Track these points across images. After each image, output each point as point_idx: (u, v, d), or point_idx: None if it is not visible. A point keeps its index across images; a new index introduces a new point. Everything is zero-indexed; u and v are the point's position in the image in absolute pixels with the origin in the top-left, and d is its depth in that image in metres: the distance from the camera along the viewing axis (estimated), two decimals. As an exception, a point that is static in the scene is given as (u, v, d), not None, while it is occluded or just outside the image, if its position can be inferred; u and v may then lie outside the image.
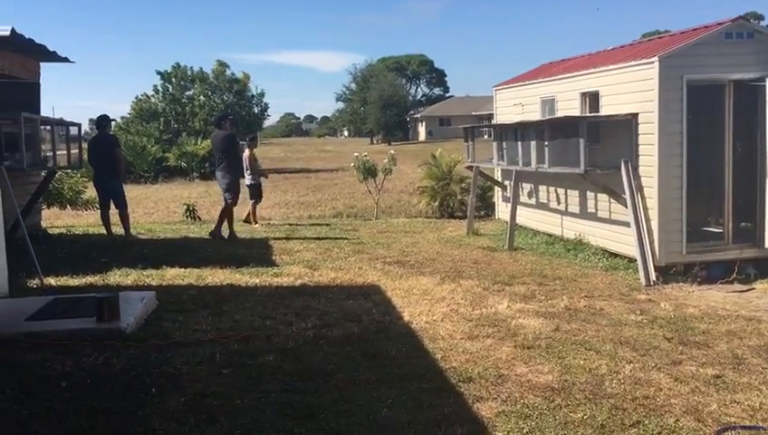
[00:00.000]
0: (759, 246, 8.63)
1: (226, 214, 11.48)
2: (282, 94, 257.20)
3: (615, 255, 9.43)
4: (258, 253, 9.99)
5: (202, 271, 8.40)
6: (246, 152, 13.45)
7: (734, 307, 7.26)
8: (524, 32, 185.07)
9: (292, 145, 77.05)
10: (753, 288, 8.22)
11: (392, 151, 16.51)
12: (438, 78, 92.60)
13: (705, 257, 8.63)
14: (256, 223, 13.82)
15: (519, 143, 10.46)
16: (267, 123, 58.45)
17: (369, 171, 15.75)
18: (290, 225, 13.77)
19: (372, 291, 7.52)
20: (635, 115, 8.73)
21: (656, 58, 8.26)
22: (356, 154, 16.27)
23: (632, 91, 8.79)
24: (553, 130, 9.49)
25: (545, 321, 6.44)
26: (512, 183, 10.96)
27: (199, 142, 33.80)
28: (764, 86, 8.36)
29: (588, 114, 9.70)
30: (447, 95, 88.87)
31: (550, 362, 5.26)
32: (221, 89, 37.48)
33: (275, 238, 11.74)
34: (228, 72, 38.00)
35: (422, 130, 76.52)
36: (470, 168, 12.77)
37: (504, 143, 11.11)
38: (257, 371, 4.95)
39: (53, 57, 10.75)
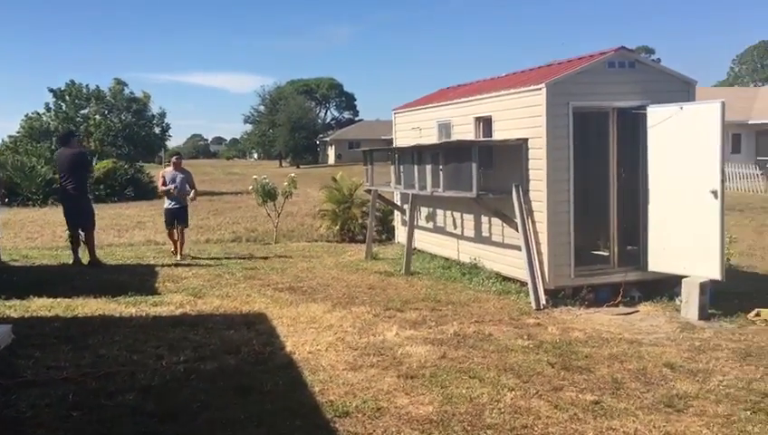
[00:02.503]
0: (642, 269, 8.86)
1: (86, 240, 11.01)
2: (190, 115, 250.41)
3: (508, 279, 9.46)
4: (141, 280, 9.42)
5: (73, 301, 7.79)
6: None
7: (618, 330, 7.37)
8: (429, 58, 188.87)
9: (198, 167, 74.60)
10: (637, 311, 8.41)
11: (293, 174, 16.19)
12: (348, 102, 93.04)
13: (593, 281, 8.77)
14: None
15: (415, 167, 10.40)
16: (174, 144, 56.74)
17: (268, 194, 15.33)
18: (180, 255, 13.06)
19: (257, 320, 7.17)
20: (525, 140, 8.83)
21: (543, 85, 8.39)
22: (255, 177, 15.84)
23: (522, 116, 8.90)
24: (447, 154, 9.48)
25: (433, 348, 6.29)
26: (409, 207, 10.88)
27: (95, 163, 32.19)
28: (645, 114, 8.65)
29: (481, 139, 9.76)
30: (357, 119, 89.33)
31: (432, 392, 5.09)
32: (119, 108, 36.06)
33: (164, 264, 11.16)
34: (127, 91, 36.68)
35: (331, 153, 76.38)
36: (369, 191, 12.63)
37: (402, 167, 11.04)
38: (113, 412, 4.51)
39: None
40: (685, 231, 8.33)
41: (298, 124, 68.63)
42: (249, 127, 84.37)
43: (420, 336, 6.70)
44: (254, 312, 7.53)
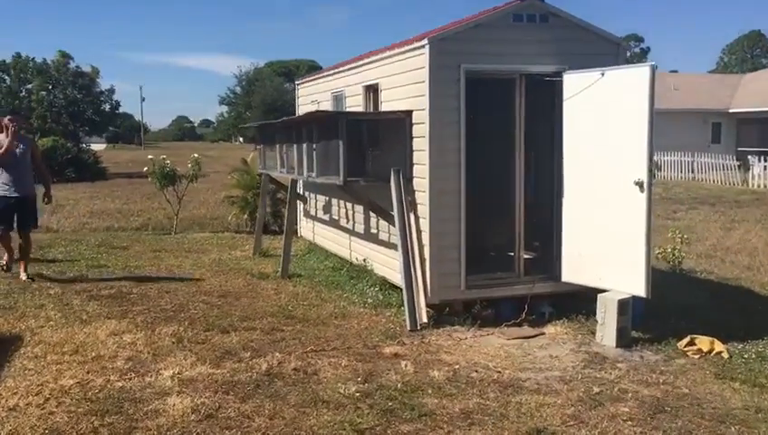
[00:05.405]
0: (555, 279, 7.00)
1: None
2: (180, 97, 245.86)
3: (396, 287, 7.59)
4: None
5: None
6: None
7: (504, 363, 5.54)
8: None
9: (175, 149, 72.58)
10: (543, 333, 6.56)
11: (196, 155, 14.24)
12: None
13: (490, 293, 6.90)
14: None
15: (294, 146, 8.51)
16: (159, 126, 54.13)
17: (166, 177, 13.39)
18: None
19: (2, 347, 5.27)
20: (408, 113, 6.94)
21: (425, 42, 6.49)
22: (150, 157, 13.88)
23: (406, 83, 7.01)
24: (319, 131, 7.59)
25: (211, 398, 4.42)
26: (288, 195, 8.99)
27: (36, 141, 30.09)
28: (561, 82, 6.76)
29: (354, 111, 7.89)
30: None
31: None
32: (63, 83, 33.76)
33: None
34: (73, 65, 34.36)
35: (309, 136, 74.22)
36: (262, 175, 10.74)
37: (285, 146, 9.13)
38: None
39: None
40: (603, 233, 6.48)
41: (272, 106, 66.13)
42: (225, 109, 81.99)
43: (210, 377, 4.83)
44: (12, 333, 5.63)
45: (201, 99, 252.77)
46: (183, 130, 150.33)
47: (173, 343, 5.59)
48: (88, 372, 4.78)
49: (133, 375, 4.77)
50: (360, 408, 4.40)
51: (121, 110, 35.67)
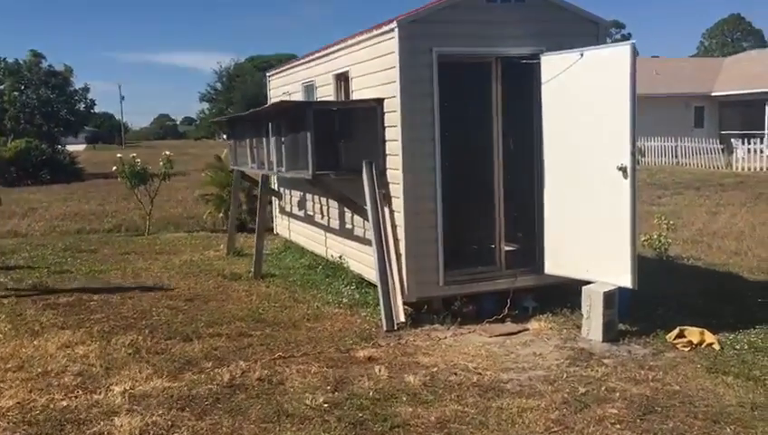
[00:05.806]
0: (538, 271, 6.68)
1: None
2: (161, 96, 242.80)
3: (372, 285, 7.24)
4: None
5: None
6: None
7: (485, 364, 5.21)
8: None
9: (157, 148, 71.64)
10: (527, 328, 6.24)
11: (167, 152, 13.79)
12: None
13: (471, 289, 6.56)
14: None
15: (264, 140, 8.13)
16: (141, 125, 53.25)
17: (137, 177, 12.94)
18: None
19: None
20: (379, 101, 6.57)
21: (394, 24, 6.11)
22: (119, 155, 13.41)
23: (376, 70, 6.64)
24: (287, 122, 7.20)
25: (163, 416, 4.05)
26: (260, 191, 8.61)
27: (9, 143, 29.39)
28: (539, 65, 6.42)
29: (322, 100, 7.51)
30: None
31: None
32: (35, 82, 32.95)
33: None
34: (45, 65, 33.57)
35: (291, 131, 73.58)
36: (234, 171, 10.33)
37: (255, 140, 8.74)
38: None
39: None
40: (587, 222, 6.16)
41: (253, 101, 65.51)
42: (206, 106, 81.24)
43: (166, 392, 4.46)
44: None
45: (183, 96, 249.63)
46: (165, 129, 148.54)
47: (129, 354, 5.21)
48: (30, 391, 4.39)
49: (80, 392, 4.39)
50: (328, 421, 4.05)
51: (102, 109, 35.29)
